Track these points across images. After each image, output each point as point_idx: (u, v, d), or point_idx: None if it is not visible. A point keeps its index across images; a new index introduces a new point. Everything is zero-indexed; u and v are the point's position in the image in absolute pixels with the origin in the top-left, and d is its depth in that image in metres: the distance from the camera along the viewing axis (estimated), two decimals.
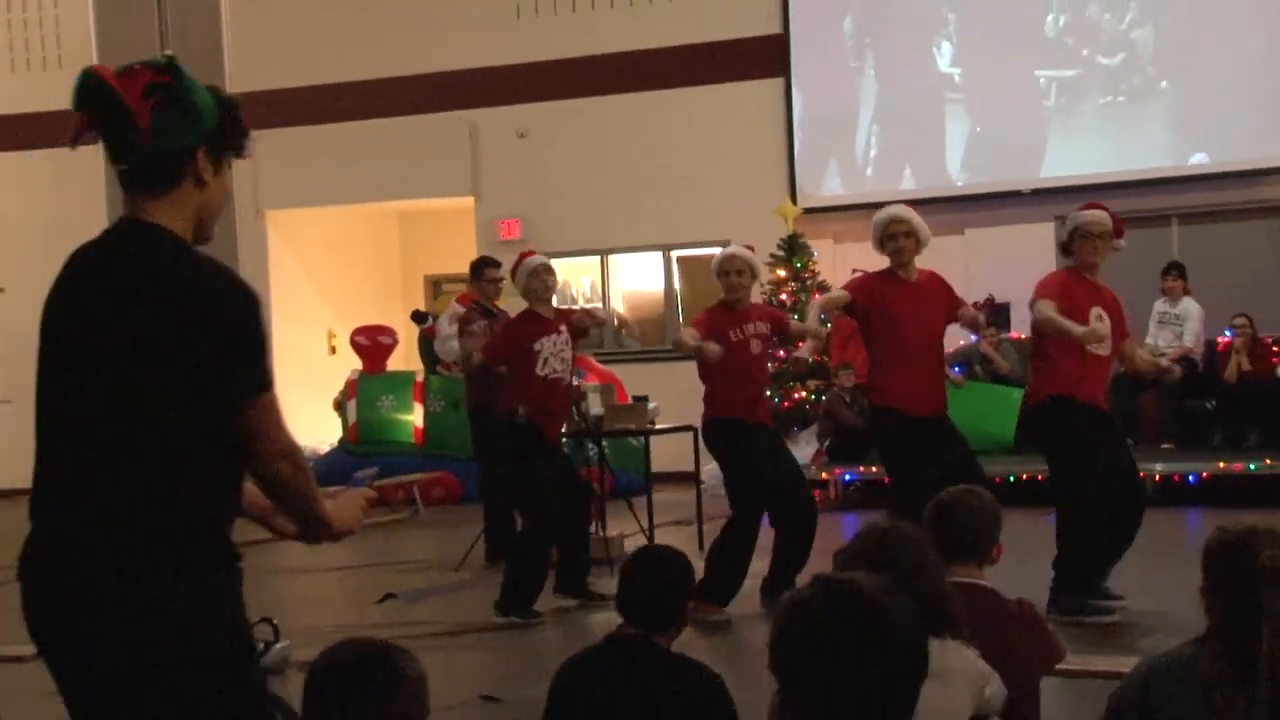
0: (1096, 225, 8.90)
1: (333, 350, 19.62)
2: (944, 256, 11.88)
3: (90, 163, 17.96)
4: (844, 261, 16.06)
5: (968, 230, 15.73)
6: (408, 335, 18.34)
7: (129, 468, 3.27)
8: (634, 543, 11.49)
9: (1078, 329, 8.55)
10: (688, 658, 4.42)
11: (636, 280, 19.16)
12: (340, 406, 17.23)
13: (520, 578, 9.53)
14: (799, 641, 2.70)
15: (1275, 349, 14.98)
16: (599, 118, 18.45)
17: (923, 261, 9.35)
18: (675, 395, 13.58)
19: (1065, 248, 9.19)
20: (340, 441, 17.28)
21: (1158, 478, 13.53)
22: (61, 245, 3.58)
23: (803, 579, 9.29)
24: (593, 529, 11.29)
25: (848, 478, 14.89)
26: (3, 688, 7.10)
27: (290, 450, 3.39)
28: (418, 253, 21.47)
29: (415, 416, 17.05)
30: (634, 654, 4.38)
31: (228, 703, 3.30)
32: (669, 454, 12.24)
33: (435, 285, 21.42)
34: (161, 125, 3.33)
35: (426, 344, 16.83)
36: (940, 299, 9.30)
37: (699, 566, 7.76)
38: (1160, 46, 16.47)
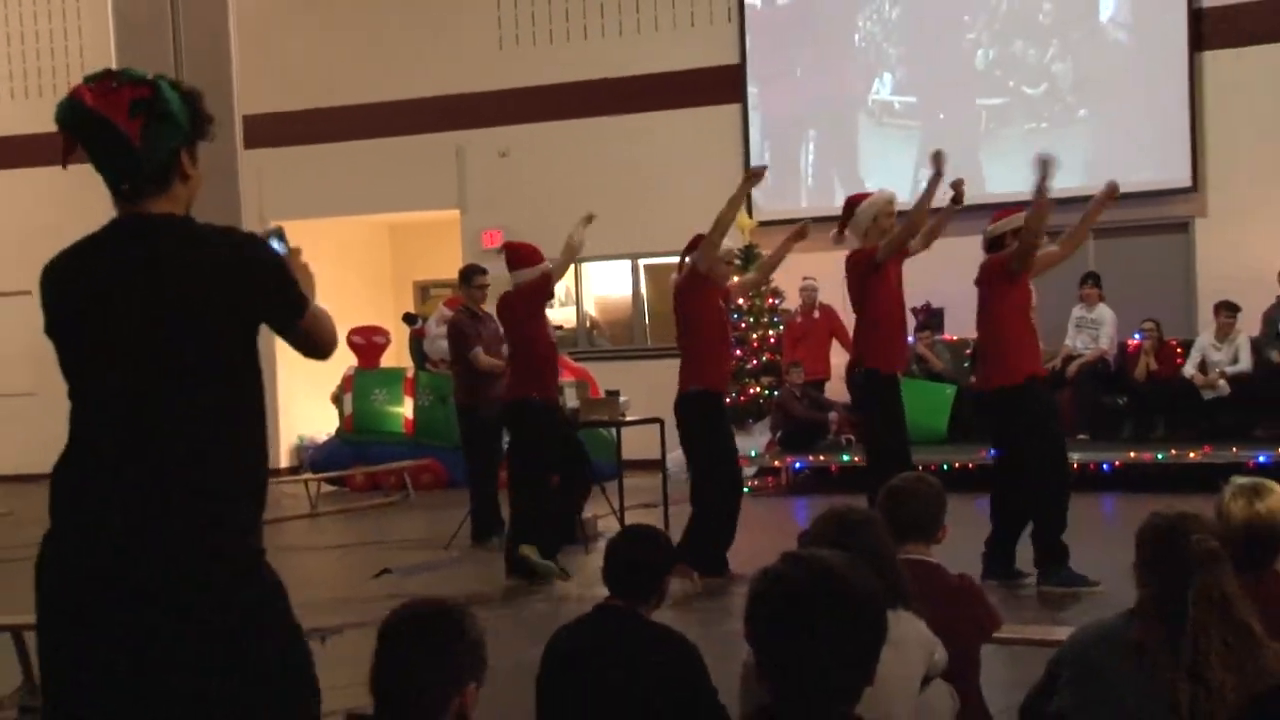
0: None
1: None
2: None
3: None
4: (795, 270, 16.07)
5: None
6: (399, 335, 18.29)
7: (208, 428, 3.24)
8: (606, 524, 11.50)
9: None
10: (667, 627, 4.43)
11: (607, 286, 19.14)
12: (337, 399, 17.18)
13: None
14: (774, 612, 2.72)
15: (1179, 350, 15.08)
16: (574, 139, 18.44)
17: None
18: (643, 390, 13.59)
19: (999, 244, 9.14)
20: (337, 431, 17.24)
21: (1075, 466, 13.55)
22: None
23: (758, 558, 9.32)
24: None
25: (798, 465, 14.96)
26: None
27: (334, 331, 3.57)
28: (408, 260, 21.42)
29: (405, 409, 17.01)
30: (619, 623, 4.40)
31: (299, 652, 3.33)
32: (637, 443, 12.24)
33: (424, 290, 21.37)
34: (152, 142, 3.30)
35: (416, 343, 16.84)
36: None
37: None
38: (1078, 79, 16.54)
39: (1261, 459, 12.86)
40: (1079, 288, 15.08)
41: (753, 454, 14.64)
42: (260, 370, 3.41)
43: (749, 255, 16.46)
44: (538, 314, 10.44)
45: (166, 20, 18.98)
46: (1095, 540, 8.78)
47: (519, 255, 10.44)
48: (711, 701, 4.26)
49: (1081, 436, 14.79)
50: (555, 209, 17.94)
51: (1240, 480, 4.11)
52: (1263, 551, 3.97)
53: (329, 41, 19.40)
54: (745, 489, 9.90)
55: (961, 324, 16.07)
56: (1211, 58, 16.00)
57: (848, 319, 15.54)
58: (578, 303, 19.01)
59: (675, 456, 12.09)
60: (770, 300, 16.23)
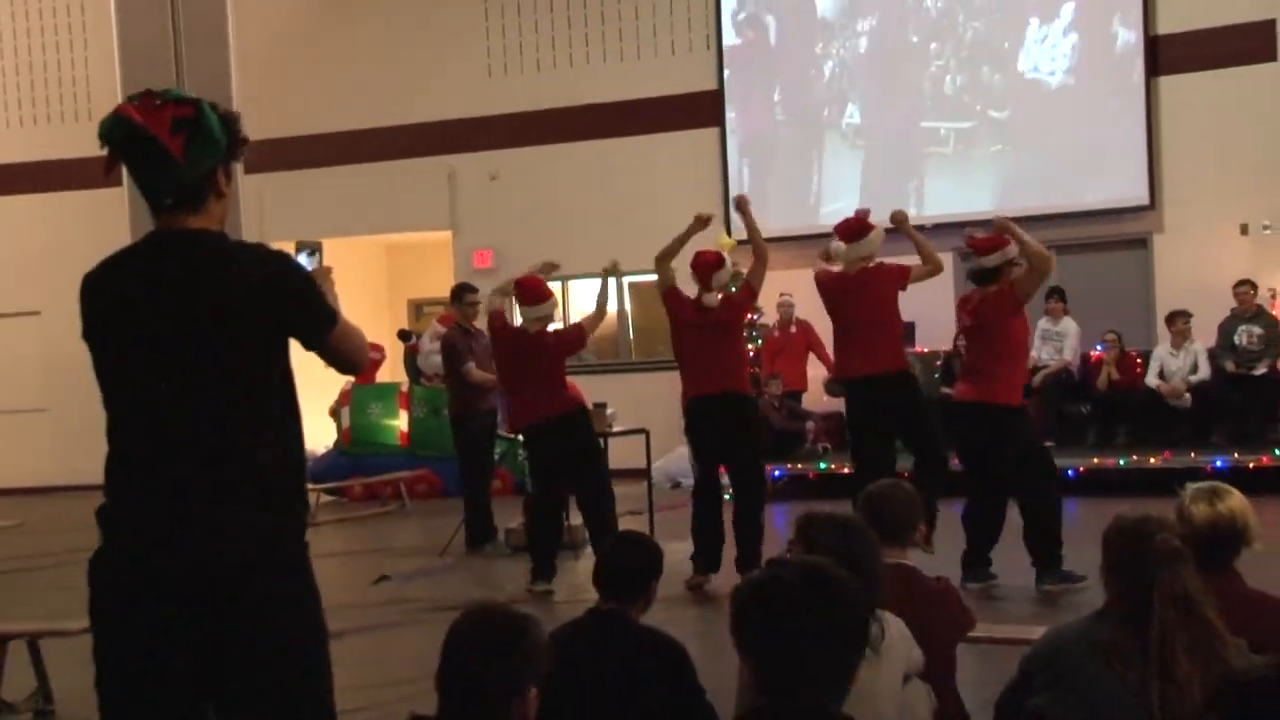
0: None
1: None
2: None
3: (117, 201, 17.88)
4: (773, 287, 16.09)
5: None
6: (394, 351, 18.28)
7: (248, 428, 3.28)
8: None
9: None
10: (655, 629, 4.43)
11: (593, 303, 19.11)
12: (335, 413, 17.16)
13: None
14: (764, 616, 2.72)
15: (1139, 361, 15.12)
16: (560, 162, 18.47)
17: None
18: (629, 402, 13.59)
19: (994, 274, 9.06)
20: (335, 443, 17.21)
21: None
22: (86, 272, 3.49)
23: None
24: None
25: (777, 473, 14.91)
26: (53, 659, 7.02)
27: (364, 345, 3.60)
28: (403, 279, 21.41)
29: (401, 422, 17.00)
30: (610, 625, 4.40)
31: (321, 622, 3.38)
32: (623, 453, 12.23)
33: (418, 308, 21.36)
34: (193, 158, 3.30)
35: (411, 359, 16.83)
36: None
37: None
38: (1042, 102, 16.59)
39: (1218, 464, 12.89)
40: (1045, 302, 15.10)
41: None
42: (293, 378, 3.42)
43: (729, 275, 16.48)
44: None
45: (169, 50, 18.91)
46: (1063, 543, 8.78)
47: (530, 293, 10.40)
48: (699, 700, 4.26)
49: (1047, 443, 14.79)
50: (543, 229, 18.06)
51: (1199, 485, 4.12)
52: (1224, 551, 3.98)
53: (325, 70, 19.43)
54: (726, 496, 9.85)
55: (931, 337, 16.16)
56: (1167, 82, 16.07)
57: (824, 333, 15.68)
58: (564, 318, 18.98)
59: (660, 465, 12.11)
60: (749, 316, 16.22)
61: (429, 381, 16.03)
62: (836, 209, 16.57)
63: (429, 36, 19.12)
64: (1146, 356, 14.99)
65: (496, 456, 13.48)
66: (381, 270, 21.34)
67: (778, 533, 10.54)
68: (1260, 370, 14.23)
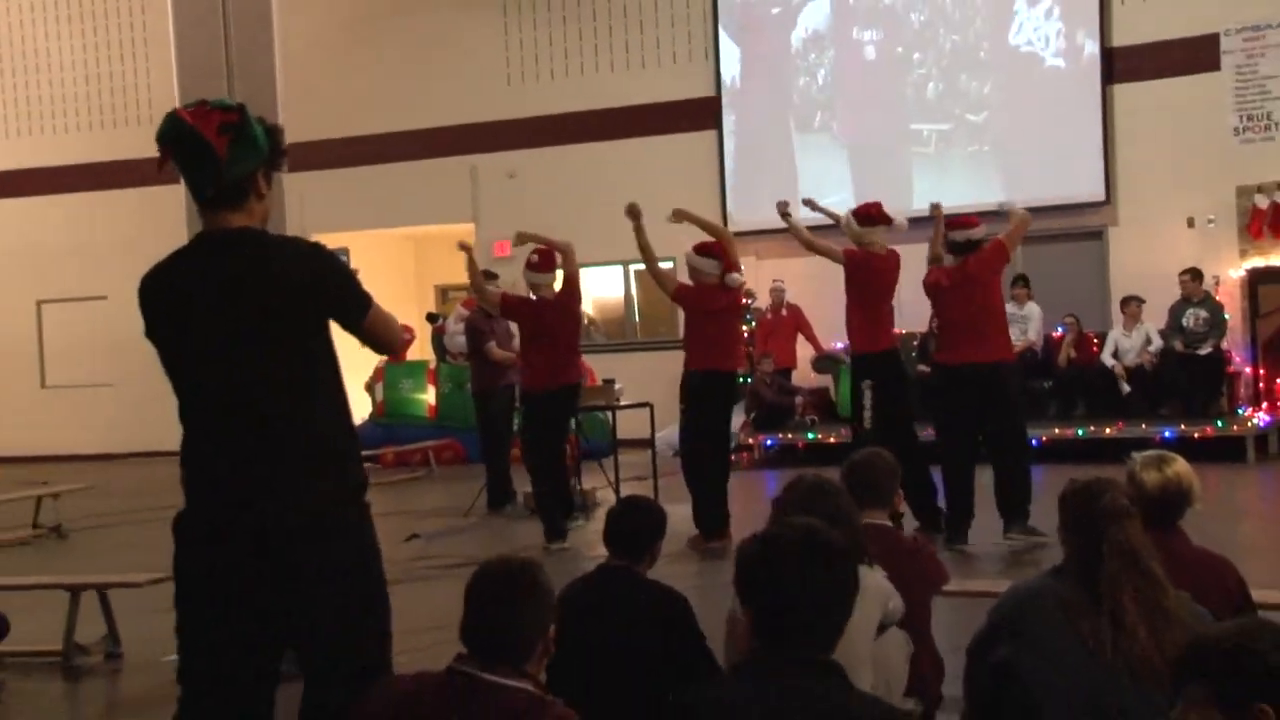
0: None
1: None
2: (829, 270, 11.94)
3: (172, 197, 17.88)
4: (765, 274, 16.14)
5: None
6: (423, 332, 18.28)
7: (304, 404, 3.34)
8: (604, 494, 11.51)
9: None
10: (659, 582, 4.45)
11: (602, 289, 19.12)
12: (370, 388, 17.18)
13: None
14: (766, 569, 2.73)
15: (1096, 341, 15.12)
16: (572, 161, 18.44)
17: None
18: (635, 378, 13.62)
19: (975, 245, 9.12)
20: (370, 415, 17.23)
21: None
22: (150, 263, 3.52)
23: (737, 521, 9.33)
24: (572, 481, 11.33)
25: (769, 443, 14.99)
26: (121, 608, 7.06)
27: (397, 327, 3.63)
28: (429, 267, 21.39)
29: (429, 396, 17.03)
30: (618, 579, 4.42)
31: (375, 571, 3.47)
32: (630, 424, 12.25)
33: (443, 293, 21.34)
34: (234, 157, 3.33)
35: (438, 339, 16.83)
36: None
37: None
38: (1011, 108, 16.55)
39: (1166, 434, 12.92)
40: (1011, 288, 15.09)
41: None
42: (336, 356, 3.45)
43: None
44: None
45: (221, 60, 18.88)
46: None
47: (547, 261, 10.41)
48: (699, 645, 4.27)
49: None
50: (557, 221, 17.99)
51: (1148, 452, 4.13)
52: (1170, 512, 4.00)
53: (361, 79, 19.41)
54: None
55: (908, 319, 16.14)
56: (1121, 90, 16.05)
57: (813, 317, 15.69)
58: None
59: (662, 436, 12.12)
60: (744, 300, 16.22)
61: (454, 359, 16.04)
62: (827, 203, 16.56)
63: (453, 49, 19.09)
64: (1103, 337, 15.01)
65: (515, 427, 13.49)
66: (410, 259, 21.33)
67: (770, 496, 10.51)
68: (1205, 350, 14.22)
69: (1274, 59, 15.30)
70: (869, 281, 9.43)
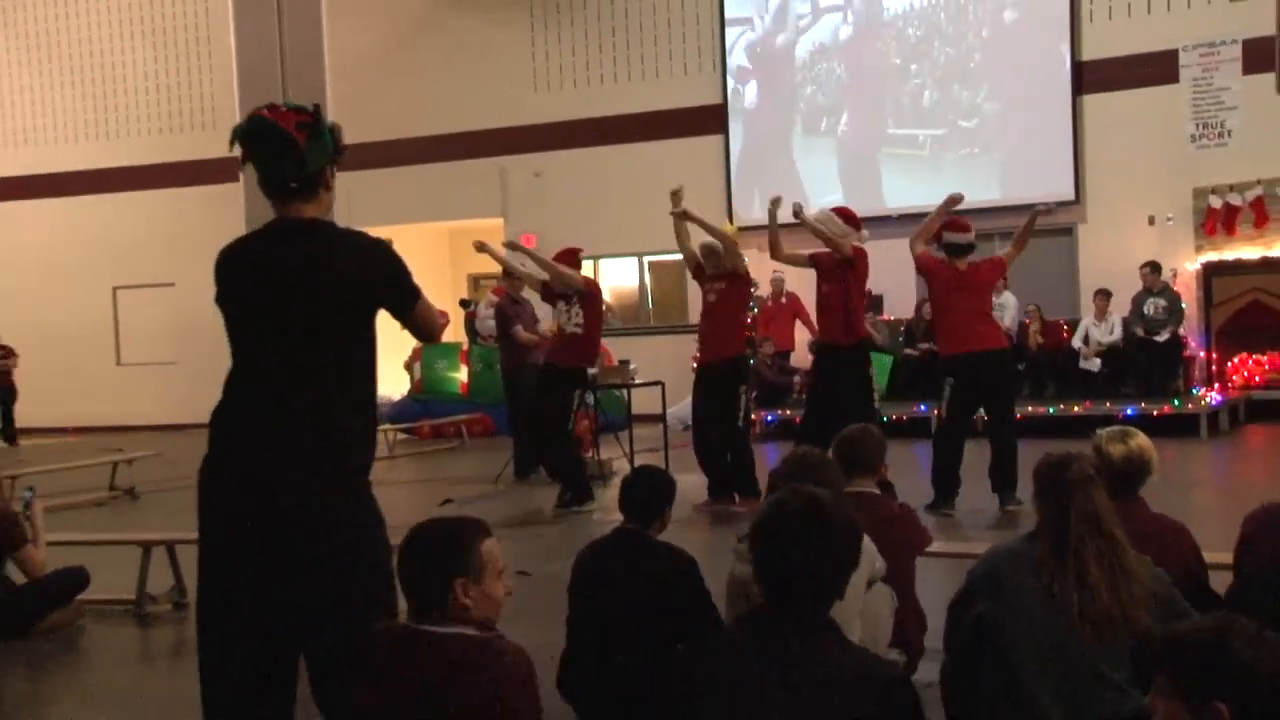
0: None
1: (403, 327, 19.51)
2: None
3: (232, 195, 17.88)
4: (766, 265, 16.06)
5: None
6: (456, 317, 18.28)
7: (336, 385, 3.29)
8: (620, 464, 11.50)
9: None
10: (670, 544, 4.42)
11: (619, 278, 19.12)
12: (409, 367, 17.19)
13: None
14: (775, 532, 2.72)
15: (1066, 328, 15.09)
16: (593, 162, 18.41)
17: None
18: (649, 359, 13.62)
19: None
20: (408, 392, 17.26)
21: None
22: (212, 253, 3.48)
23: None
24: (590, 454, 11.33)
25: (769, 418, 14.95)
26: (187, 562, 7.08)
27: (438, 318, 3.60)
28: (462, 258, 21.30)
29: (462, 374, 17.02)
30: (632, 542, 4.41)
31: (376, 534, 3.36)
32: (643, 401, 12.25)
33: (475, 281, 21.35)
34: (312, 151, 3.32)
35: (470, 323, 16.83)
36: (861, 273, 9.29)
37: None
38: (1000, 116, 16.45)
39: (1129, 411, 12.89)
40: None
41: None
42: (375, 343, 3.42)
43: None
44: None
45: (277, 71, 18.96)
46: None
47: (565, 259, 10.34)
48: (706, 603, 4.26)
49: None
50: (577, 217, 18.11)
51: (1112, 428, 4.12)
52: (1133, 481, 3.99)
53: (402, 88, 19.41)
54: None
55: (895, 307, 16.14)
56: (1090, 100, 16.00)
57: (810, 304, 15.65)
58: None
59: (673, 411, 12.11)
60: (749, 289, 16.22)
61: (484, 341, 16.03)
62: (828, 201, 16.49)
63: (485, 60, 19.06)
64: (1073, 325, 14.99)
65: None
66: (445, 250, 21.33)
67: (770, 465, 10.48)
68: (1164, 336, 14.20)
69: (1227, 73, 15.26)
70: (864, 274, 9.32)
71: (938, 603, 4.57)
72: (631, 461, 10.79)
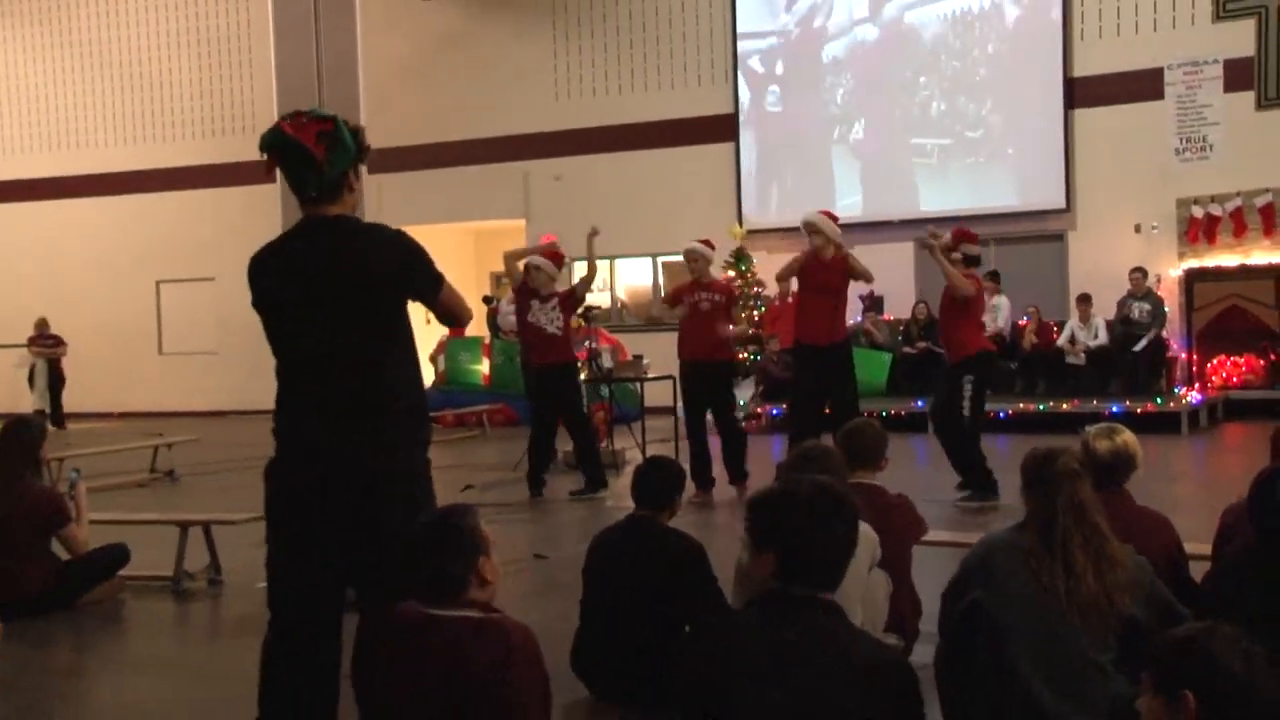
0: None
1: (428, 321, 19.37)
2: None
3: (270, 194, 17.89)
4: (773, 267, 15.95)
5: (856, 246, 15.58)
6: (479, 312, 18.28)
7: (379, 365, 3.34)
8: (632, 455, 11.49)
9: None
10: (680, 530, 4.42)
11: (634, 277, 19.11)
12: (434, 359, 17.18)
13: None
14: (779, 519, 2.68)
15: (1055, 329, 15.04)
16: (610, 167, 18.39)
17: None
18: (661, 355, 13.53)
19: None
20: (433, 382, 17.23)
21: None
22: (250, 250, 3.54)
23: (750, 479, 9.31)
24: (604, 444, 11.31)
25: (775, 411, 14.89)
26: (222, 542, 7.10)
27: (464, 302, 3.63)
28: (486, 257, 21.34)
29: (484, 366, 17.00)
30: (643, 527, 4.40)
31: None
32: (656, 394, 12.23)
33: (497, 279, 21.26)
34: (331, 161, 3.34)
35: (492, 318, 16.82)
36: (840, 272, 8.91)
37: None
38: (1001, 127, 16.37)
39: (1114, 409, 12.82)
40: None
41: (742, 403, 14.58)
42: (411, 327, 3.46)
43: (740, 255, 16.43)
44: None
45: (314, 78, 19.01)
46: (994, 469, 8.71)
47: (558, 261, 10.30)
48: (713, 588, 4.25)
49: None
50: (596, 219, 17.88)
51: (1099, 425, 4.10)
52: (1119, 475, 3.97)
53: (430, 95, 19.40)
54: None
55: (896, 307, 16.08)
56: (1081, 114, 15.93)
57: None
58: (611, 289, 19.02)
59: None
60: (754, 289, 16.20)
61: (506, 336, 16.01)
62: (843, 204, 16.44)
63: (509, 70, 19.04)
64: (1062, 325, 14.95)
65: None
66: (470, 249, 21.33)
67: (776, 458, 10.49)
68: (1148, 337, 14.14)
69: (1209, 90, 15.24)
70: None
71: (933, 589, 4.55)
72: (644, 451, 10.78)
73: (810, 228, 8.96)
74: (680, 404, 9.93)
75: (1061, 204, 15.95)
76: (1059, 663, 3.21)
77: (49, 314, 19.57)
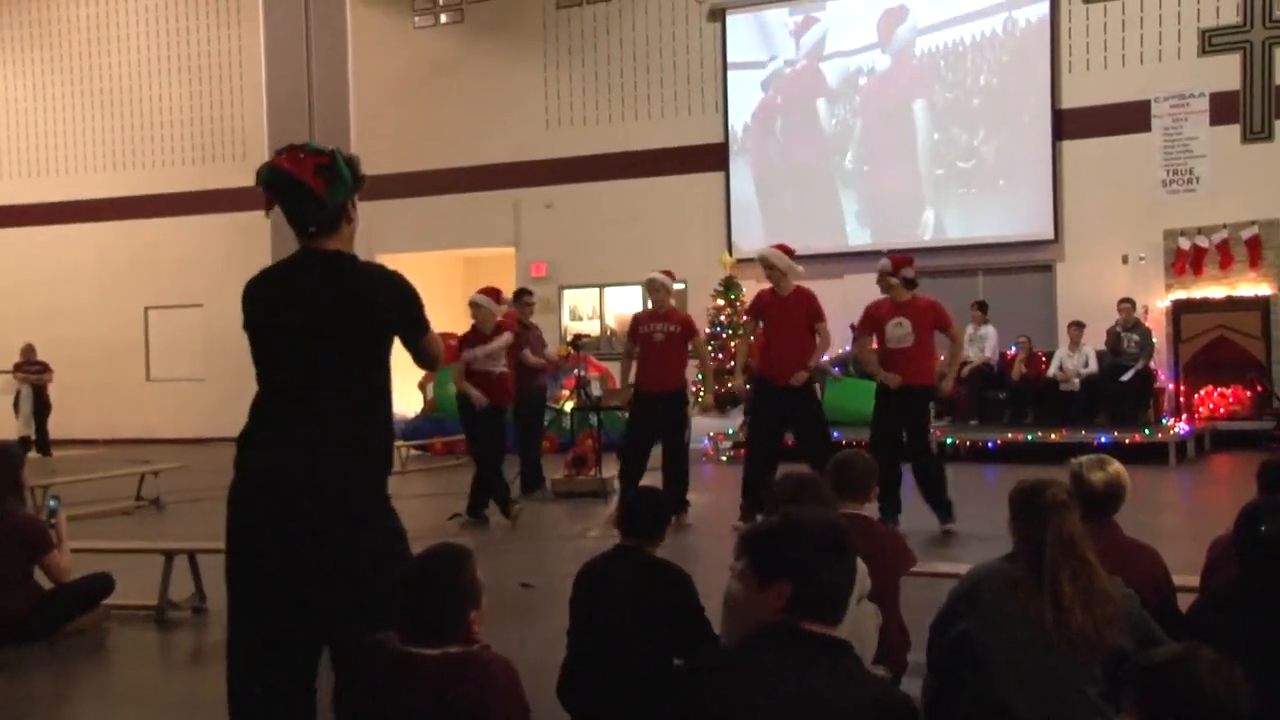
0: (881, 270, 8.79)
1: None
2: (831, 292, 11.96)
3: (259, 222, 17.83)
4: None
5: (846, 276, 15.70)
6: None
7: (358, 405, 3.31)
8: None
9: (870, 364, 8.70)
10: (666, 560, 4.38)
11: (623, 304, 19.10)
12: (423, 387, 17.14)
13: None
14: (801, 549, 2.64)
15: (1044, 358, 15.07)
16: (601, 195, 18.44)
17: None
18: None
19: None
20: (422, 410, 17.22)
21: (968, 443, 13.59)
22: (239, 277, 3.54)
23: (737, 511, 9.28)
24: (593, 471, 11.27)
25: None
26: (208, 570, 7.05)
27: (442, 349, 3.62)
28: (476, 284, 21.14)
29: None
30: (631, 558, 4.37)
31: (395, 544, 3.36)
32: None
33: None
34: (330, 194, 3.34)
35: None
36: (800, 307, 8.82)
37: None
38: (1000, 157, 16.44)
39: (1103, 439, 12.82)
40: (971, 311, 15.10)
41: (730, 431, 14.61)
42: (390, 367, 3.44)
43: (729, 284, 16.46)
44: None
45: (305, 109, 18.99)
46: (983, 499, 8.73)
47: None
48: (700, 618, 4.22)
49: (973, 422, 14.80)
50: (586, 247, 18.15)
51: (1089, 456, 4.10)
52: (1109, 506, 3.96)
53: (421, 122, 19.46)
54: (725, 458, 9.72)
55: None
56: (1069, 145, 16.04)
57: None
58: (601, 317, 19.01)
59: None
60: (743, 318, 16.20)
61: None
62: (815, 236, 16.47)
63: (500, 98, 19.11)
64: (1050, 355, 14.98)
65: (545, 422, 13.45)
66: (460, 277, 21.32)
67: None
68: (1136, 368, 14.18)
69: (1196, 123, 15.36)
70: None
71: (913, 621, 4.54)
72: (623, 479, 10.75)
73: (765, 263, 8.90)
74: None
75: (1050, 234, 16.03)
76: (1047, 694, 3.20)
77: (36, 340, 19.50)
